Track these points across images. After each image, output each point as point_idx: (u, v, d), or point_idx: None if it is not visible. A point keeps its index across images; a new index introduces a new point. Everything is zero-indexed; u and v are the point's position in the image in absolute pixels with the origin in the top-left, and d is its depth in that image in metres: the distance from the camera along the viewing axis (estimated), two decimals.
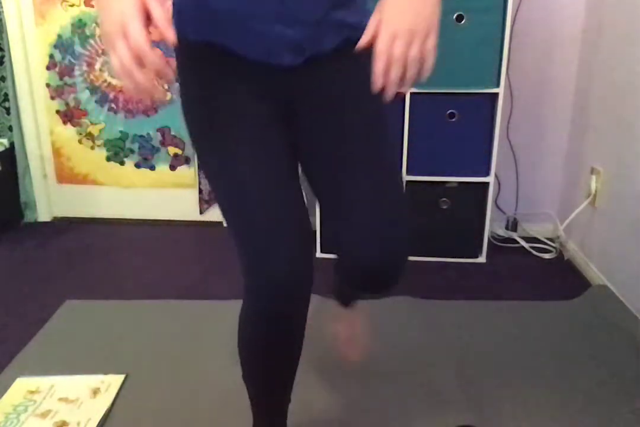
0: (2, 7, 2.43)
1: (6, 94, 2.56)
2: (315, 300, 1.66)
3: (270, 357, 1.05)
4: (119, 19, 0.75)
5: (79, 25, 2.47)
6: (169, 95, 2.55)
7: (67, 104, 2.61)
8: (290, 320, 1.00)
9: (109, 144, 2.65)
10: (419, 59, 0.82)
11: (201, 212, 2.68)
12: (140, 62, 0.75)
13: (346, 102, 1.01)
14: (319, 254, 2.29)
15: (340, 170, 1.01)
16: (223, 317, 1.81)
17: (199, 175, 2.59)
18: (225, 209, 0.98)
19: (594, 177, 2.08)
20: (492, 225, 2.43)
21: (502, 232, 2.47)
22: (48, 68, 2.56)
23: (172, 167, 2.67)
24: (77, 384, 1.48)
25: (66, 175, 2.73)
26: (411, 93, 2.07)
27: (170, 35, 0.76)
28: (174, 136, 2.62)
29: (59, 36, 2.50)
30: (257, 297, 0.96)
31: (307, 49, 0.96)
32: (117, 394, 1.44)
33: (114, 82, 2.55)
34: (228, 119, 0.98)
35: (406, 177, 2.16)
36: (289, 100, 1.01)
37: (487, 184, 2.16)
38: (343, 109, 1.01)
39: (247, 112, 0.98)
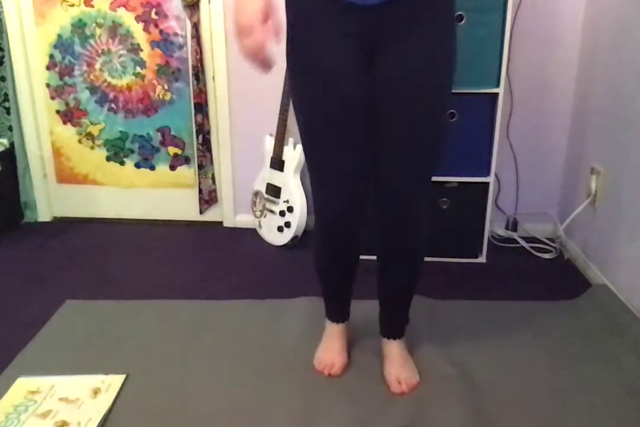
0: (2, 7, 2.43)
1: (6, 94, 2.56)
2: (318, 301, 1.66)
3: (339, 261, 1.45)
4: (246, 21, 1.04)
5: (79, 25, 2.47)
6: (169, 95, 2.55)
7: (67, 104, 2.61)
8: (346, 235, 1.38)
9: (109, 144, 2.65)
10: None
11: (201, 212, 2.68)
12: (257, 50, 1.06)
13: (419, 43, 1.17)
14: None
15: (399, 105, 1.21)
16: (223, 317, 1.82)
17: (198, 175, 2.59)
18: (308, 153, 1.30)
19: (594, 177, 2.08)
20: (492, 225, 2.43)
21: (502, 232, 2.48)
22: (48, 68, 2.56)
23: (172, 167, 2.67)
24: (77, 384, 1.48)
25: (66, 175, 2.73)
26: None
27: (274, 40, 1.06)
28: (174, 136, 2.62)
29: (59, 36, 2.50)
30: (323, 223, 1.37)
31: None
32: (118, 394, 1.44)
33: (113, 82, 2.55)
34: (316, 65, 1.20)
35: None
36: (371, 38, 1.18)
37: (487, 184, 2.16)
38: (416, 48, 1.17)
39: (333, 56, 1.19)
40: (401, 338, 1.53)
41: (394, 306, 1.51)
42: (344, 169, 1.27)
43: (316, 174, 1.31)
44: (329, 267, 1.49)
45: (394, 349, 1.52)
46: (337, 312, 1.59)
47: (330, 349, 1.56)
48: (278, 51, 1.29)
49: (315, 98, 1.23)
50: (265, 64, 1.08)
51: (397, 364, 1.49)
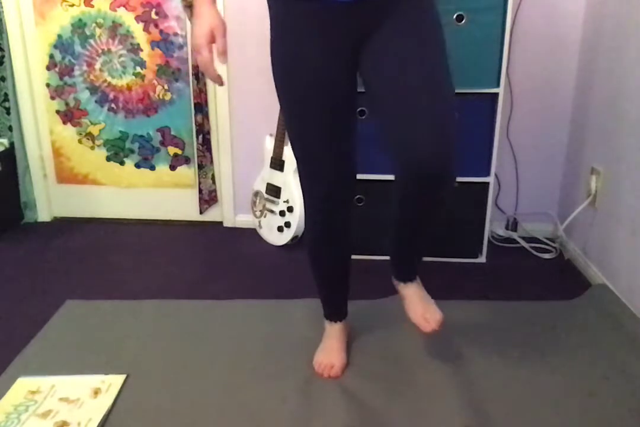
0: (2, 7, 2.43)
1: (6, 94, 2.56)
2: (318, 302, 1.67)
3: (328, 245, 1.46)
4: (196, 42, 1.21)
5: (79, 25, 2.47)
6: (169, 95, 2.55)
7: (67, 104, 2.61)
8: (336, 218, 1.41)
9: (109, 144, 2.65)
10: None
11: (201, 212, 2.68)
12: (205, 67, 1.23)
13: (403, 21, 1.19)
14: None
15: (397, 73, 1.18)
16: (223, 317, 1.82)
17: (198, 175, 2.59)
18: (292, 144, 1.36)
19: (594, 177, 2.08)
20: (492, 225, 2.43)
21: (502, 232, 2.48)
22: (48, 68, 2.56)
23: (172, 167, 2.67)
24: (78, 384, 1.48)
25: (66, 175, 2.73)
26: None
27: (221, 60, 1.21)
28: (174, 136, 2.62)
29: (59, 36, 2.50)
30: (312, 207, 1.41)
31: None
32: (118, 394, 1.44)
33: (113, 82, 2.55)
34: (297, 62, 1.24)
35: None
36: (354, 32, 1.20)
37: (487, 184, 2.16)
38: (400, 24, 1.19)
39: (315, 49, 1.22)
40: (416, 278, 1.52)
41: (414, 243, 1.43)
42: (328, 156, 1.33)
43: (300, 160, 1.37)
44: (322, 260, 1.50)
45: (412, 290, 1.50)
46: (334, 311, 1.59)
47: (329, 351, 1.57)
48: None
49: (299, 97, 1.27)
50: (213, 79, 1.24)
51: (419, 304, 1.48)
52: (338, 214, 1.41)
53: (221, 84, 1.25)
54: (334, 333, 1.59)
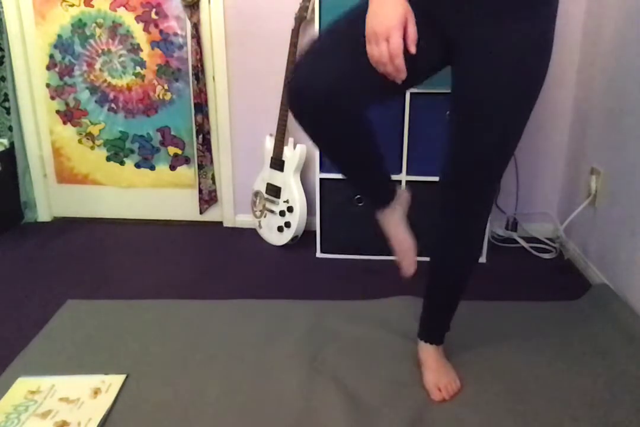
0: (2, 7, 2.43)
1: (6, 94, 2.56)
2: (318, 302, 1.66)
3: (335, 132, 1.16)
4: (387, 25, 1.01)
5: (79, 25, 2.47)
6: (169, 95, 2.55)
7: (67, 104, 2.61)
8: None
9: (109, 144, 2.65)
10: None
11: (201, 212, 2.68)
12: (391, 60, 1.03)
13: (514, 41, 1.14)
14: (319, 254, 2.29)
15: (475, 115, 1.20)
16: (223, 317, 1.82)
17: (199, 175, 2.60)
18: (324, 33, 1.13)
19: (594, 177, 2.08)
20: (492, 225, 2.44)
21: (502, 232, 2.48)
22: (48, 68, 2.56)
23: (172, 167, 2.67)
24: (78, 384, 1.48)
25: (66, 175, 2.73)
26: (411, 93, 2.07)
27: (412, 49, 1.04)
28: (174, 136, 2.62)
29: (59, 36, 2.50)
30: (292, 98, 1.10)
31: None
32: (118, 394, 1.44)
33: (113, 82, 2.55)
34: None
35: (406, 177, 2.16)
36: (456, 22, 1.11)
37: None
38: (508, 47, 1.14)
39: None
40: (439, 345, 1.51)
41: (440, 306, 1.49)
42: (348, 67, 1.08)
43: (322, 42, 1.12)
44: (321, 125, 1.15)
45: (431, 355, 1.50)
46: (376, 200, 1.36)
47: (396, 243, 1.40)
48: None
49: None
50: (398, 71, 1.04)
51: (435, 370, 1.47)
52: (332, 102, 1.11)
53: (402, 78, 1.06)
54: (389, 219, 1.38)
